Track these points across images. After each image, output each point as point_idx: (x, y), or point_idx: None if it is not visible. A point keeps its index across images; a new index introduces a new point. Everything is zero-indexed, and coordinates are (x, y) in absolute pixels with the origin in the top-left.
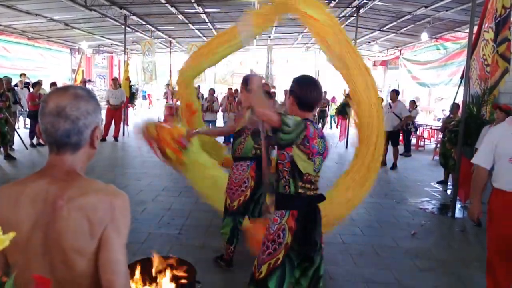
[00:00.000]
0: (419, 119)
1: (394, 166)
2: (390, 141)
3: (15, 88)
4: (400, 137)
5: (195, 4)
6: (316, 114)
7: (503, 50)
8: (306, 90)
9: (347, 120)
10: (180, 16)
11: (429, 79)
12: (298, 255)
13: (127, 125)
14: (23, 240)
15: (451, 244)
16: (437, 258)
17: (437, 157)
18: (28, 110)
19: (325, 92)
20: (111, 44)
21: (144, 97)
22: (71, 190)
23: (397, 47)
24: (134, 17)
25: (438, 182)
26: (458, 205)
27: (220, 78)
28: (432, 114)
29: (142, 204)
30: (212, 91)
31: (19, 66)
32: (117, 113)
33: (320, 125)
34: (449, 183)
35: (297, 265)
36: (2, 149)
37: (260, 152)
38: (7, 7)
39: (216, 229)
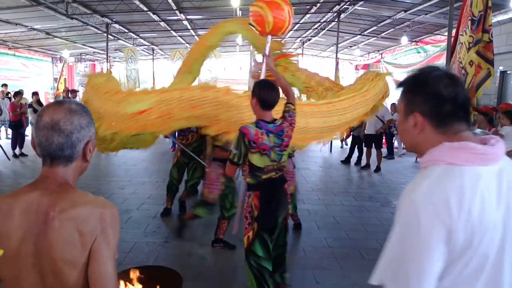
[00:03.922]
0: None
1: (377, 169)
2: (373, 144)
3: None
4: (383, 140)
5: (177, 11)
6: None
7: (477, 49)
8: (266, 92)
9: None
10: (163, 24)
11: None
12: (264, 224)
13: None
14: (14, 250)
15: None
16: None
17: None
18: (9, 120)
19: None
20: (93, 52)
21: None
22: (62, 201)
23: (378, 50)
24: (116, 25)
25: None
26: None
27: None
28: None
29: (127, 213)
30: None
31: (2, 76)
32: None
33: None
34: None
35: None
36: None
37: None
38: None
39: (202, 235)
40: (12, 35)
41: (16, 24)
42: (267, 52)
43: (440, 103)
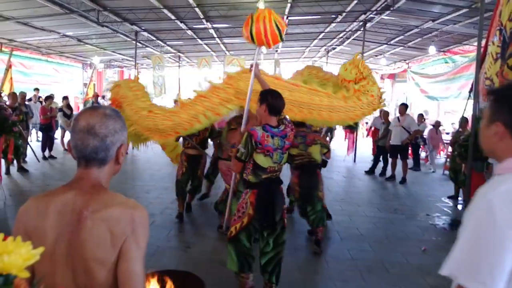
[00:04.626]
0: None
1: (403, 180)
2: (399, 155)
3: (29, 101)
4: (409, 151)
5: (203, 20)
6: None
7: None
8: (275, 100)
9: (355, 133)
10: (189, 32)
11: (438, 92)
12: (260, 222)
13: None
14: (49, 248)
15: None
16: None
17: (447, 172)
18: (40, 123)
19: None
20: (122, 59)
21: None
22: (95, 202)
23: (405, 60)
24: (145, 33)
25: (448, 197)
26: None
27: None
28: (441, 127)
29: (151, 217)
30: None
31: (35, 80)
32: None
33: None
34: (460, 198)
35: (262, 230)
36: (15, 161)
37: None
38: (23, 24)
39: (224, 242)
40: (46, 41)
41: (50, 31)
42: (255, 62)
43: None
